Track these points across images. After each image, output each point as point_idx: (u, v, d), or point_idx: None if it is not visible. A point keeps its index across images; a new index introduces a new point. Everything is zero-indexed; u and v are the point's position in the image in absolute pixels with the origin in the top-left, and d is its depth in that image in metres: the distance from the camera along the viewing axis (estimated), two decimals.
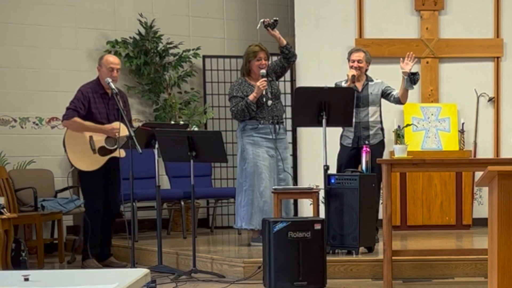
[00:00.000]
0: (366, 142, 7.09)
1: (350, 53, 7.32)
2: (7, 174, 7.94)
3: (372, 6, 8.78)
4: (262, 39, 9.72)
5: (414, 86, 7.11)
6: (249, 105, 7.14)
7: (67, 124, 7.03)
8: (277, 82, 7.54)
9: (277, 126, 7.27)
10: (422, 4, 8.75)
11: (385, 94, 7.27)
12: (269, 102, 7.16)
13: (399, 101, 7.21)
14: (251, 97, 7.14)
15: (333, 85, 7.20)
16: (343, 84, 7.18)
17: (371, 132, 7.25)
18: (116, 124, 7.01)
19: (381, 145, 7.30)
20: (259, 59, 7.24)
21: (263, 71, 7.17)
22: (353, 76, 7.13)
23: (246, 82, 7.28)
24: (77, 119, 6.96)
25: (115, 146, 7.05)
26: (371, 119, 7.24)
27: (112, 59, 7.12)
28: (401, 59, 7.07)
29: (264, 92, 7.13)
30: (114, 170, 7.10)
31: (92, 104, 7.01)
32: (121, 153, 7.10)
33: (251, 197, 7.19)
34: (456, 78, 8.79)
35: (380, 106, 7.32)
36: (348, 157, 7.24)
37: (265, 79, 7.13)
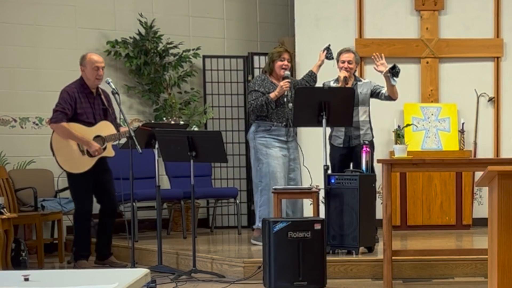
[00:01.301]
0: (366, 142, 7.09)
1: (339, 54, 7.33)
2: (7, 174, 7.95)
3: (372, 6, 8.78)
4: (262, 39, 9.74)
5: (397, 79, 7.07)
6: (269, 102, 7.20)
7: (55, 128, 6.95)
8: None
9: (289, 129, 7.34)
10: (422, 4, 8.75)
11: (375, 93, 7.29)
12: (290, 105, 7.21)
13: (390, 98, 7.23)
14: (272, 95, 7.21)
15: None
16: (332, 84, 7.22)
17: (361, 132, 7.27)
18: (102, 127, 6.99)
19: (371, 144, 7.30)
20: (282, 59, 7.33)
21: (287, 72, 7.29)
22: (345, 78, 7.16)
23: (268, 79, 7.36)
24: (64, 124, 6.90)
25: (104, 146, 7.04)
26: (361, 119, 7.27)
27: (96, 57, 7.08)
28: (373, 67, 7.11)
29: (285, 93, 7.19)
30: (104, 170, 7.10)
31: (78, 104, 6.96)
32: (111, 152, 7.08)
33: (268, 196, 7.24)
34: (456, 78, 8.79)
35: (369, 106, 7.34)
36: (340, 157, 7.26)
37: (288, 80, 7.20)
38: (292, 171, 7.40)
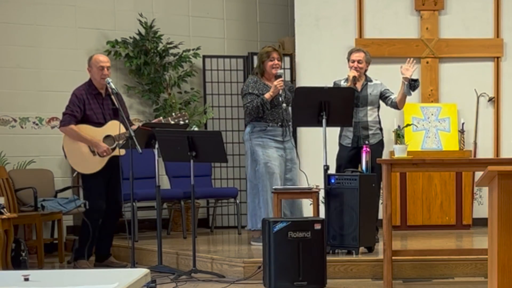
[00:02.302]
0: (366, 142, 7.08)
1: (350, 53, 7.31)
2: (7, 174, 7.95)
3: (372, 6, 8.78)
4: (262, 39, 9.75)
5: (413, 93, 7.11)
6: (264, 103, 7.17)
7: (64, 131, 7.04)
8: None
9: (285, 129, 7.31)
10: (422, 4, 8.75)
11: (383, 97, 7.27)
12: (284, 105, 7.18)
13: (396, 106, 7.23)
14: (267, 95, 7.18)
15: (332, 84, 7.22)
16: (342, 83, 7.19)
17: (370, 132, 7.25)
18: (111, 127, 7.01)
19: (380, 144, 7.30)
20: (272, 59, 7.29)
21: (280, 71, 7.25)
22: (354, 77, 7.13)
23: (260, 80, 7.33)
24: (73, 127, 6.95)
25: (114, 145, 7.06)
26: (369, 119, 7.24)
27: (102, 57, 7.12)
28: (401, 65, 7.07)
29: (280, 93, 7.17)
30: (116, 170, 7.11)
31: (87, 106, 7.01)
32: (121, 151, 7.10)
33: (266, 197, 7.23)
34: (456, 78, 8.79)
35: (378, 106, 7.32)
36: (348, 157, 7.24)
37: (282, 79, 7.17)
38: (289, 171, 7.37)
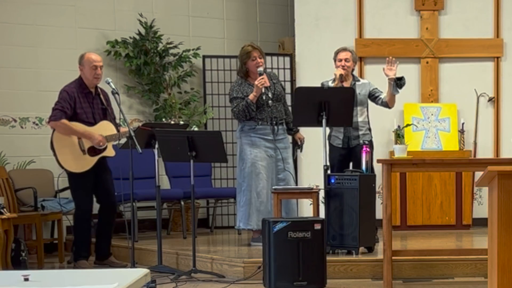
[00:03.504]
0: (366, 142, 7.08)
1: (336, 53, 7.28)
2: (7, 174, 7.95)
3: (372, 6, 8.78)
4: (262, 39, 9.75)
5: (400, 91, 7.06)
6: (249, 105, 7.11)
7: (55, 126, 6.96)
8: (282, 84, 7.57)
9: (275, 127, 7.25)
10: (422, 4, 8.75)
11: (373, 97, 7.25)
12: (270, 102, 7.14)
13: (387, 105, 7.20)
14: (251, 96, 7.11)
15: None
16: (330, 84, 7.17)
17: (360, 132, 7.24)
18: (102, 127, 6.99)
19: (370, 145, 7.28)
20: (253, 58, 7.19)
21: (260, 69, 7.16)
22: (341, 75, 7.12)
23: (245, 82, 7.25)
24: (65, 121, 6.90)
25: (105, 146, 7.04)
26: (359, 119, 7.23)
27: (94, 57, 7.09)
28: (383, 67, 7.04)
29: (264, 91, 7.11)
30: (104, 170, 7.10)
31: (78, 104, 6.97)
32: (111, 152, 7.08)
33: (249, 197, 7.19)
34: (456, 78, 8.79)
35: (367, 106, 7.30)
36: (339, 158, 7.23)
37: (263, 76, 7.11)
38: (282, 171, 7.30)
